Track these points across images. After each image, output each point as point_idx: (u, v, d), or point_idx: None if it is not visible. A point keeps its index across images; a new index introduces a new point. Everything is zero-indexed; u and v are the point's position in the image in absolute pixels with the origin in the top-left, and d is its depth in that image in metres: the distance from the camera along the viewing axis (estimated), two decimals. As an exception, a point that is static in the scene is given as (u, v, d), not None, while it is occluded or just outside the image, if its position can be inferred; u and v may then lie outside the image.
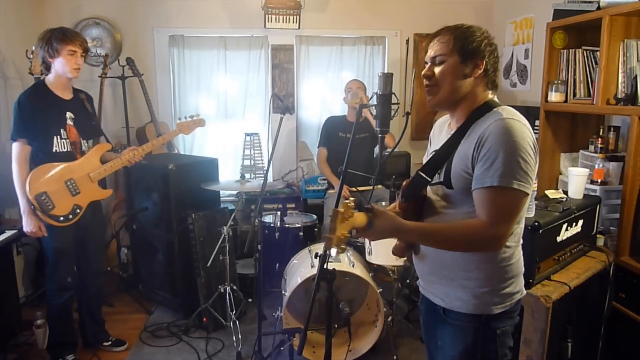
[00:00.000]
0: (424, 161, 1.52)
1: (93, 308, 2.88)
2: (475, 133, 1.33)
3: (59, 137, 2.53)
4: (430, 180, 1.44)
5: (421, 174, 1.44)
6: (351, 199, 1.24)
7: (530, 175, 1.28)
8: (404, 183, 1.50)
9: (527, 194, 1.29)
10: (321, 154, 3.76)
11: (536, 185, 2.11)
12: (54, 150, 2.52)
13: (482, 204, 1.30)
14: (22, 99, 2.47)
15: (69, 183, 2.54)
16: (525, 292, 1.49)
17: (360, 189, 3.53)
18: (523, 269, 1.48)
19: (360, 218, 1.26)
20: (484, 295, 1.40)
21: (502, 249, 1.37)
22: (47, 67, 2.52)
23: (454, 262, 1.42)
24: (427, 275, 1.54)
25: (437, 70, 1.39)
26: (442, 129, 1.54)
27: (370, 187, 3.14)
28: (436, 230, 1.36)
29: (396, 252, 1.57)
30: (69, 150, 2.57)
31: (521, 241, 1.47)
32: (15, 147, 2.48)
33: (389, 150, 3.67)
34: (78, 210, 2.57)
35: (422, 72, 1.42)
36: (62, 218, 2.51)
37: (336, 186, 3.59)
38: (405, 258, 1.67)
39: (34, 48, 3.12)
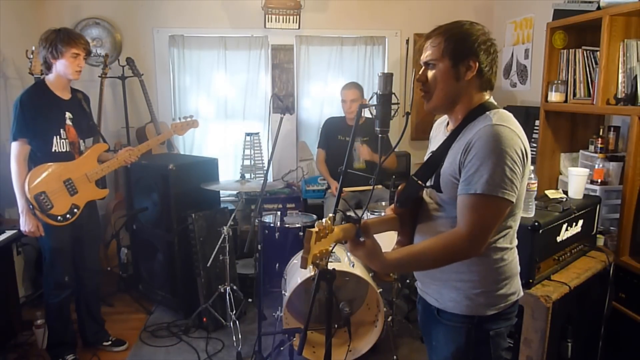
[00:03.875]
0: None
1: (91, 307, 2.88)
2: (465, 138, 1.32)
3: (58, 137, 2.54)
4: (424, 184, 1.43)
5: (414, 178, 1.43)
6: (330, 215, 1.21)
7: (515, 184, 1.27)
8: (399, 188, 1.49)
9: (511, 202, 1.28)
10: (319, 156, 3.76)
11: (536, 185, 2.11)
12: (53, 150, 2.52)
13: (463, 211, 1.29)
14: (23, 98, 2.46)
15: (67, 183, 2.54)
16: (522, 293, 1.48)
17: (360, 189, 3.53)
18: (519, 270, 1.47)
19: (344, 231, 1.23)
20: (477, 296, 1.39)
21: (488, 252, 1.36)
22: (48, 67, 2.52)
23: None
24: (422, 276, 1.55)
25: (429, 74, 1.37)
26: (440, 130, 1.54)
27: (370, 187, 3.13)
28: (413, 258, 1.33)
29: None
30: (68, 150, 2.58)
31: (515, 242, 1.45)
32: (15, 146, 2.46)
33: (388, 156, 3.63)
34: (76, 210, 2.58)
35: (416, 77, 1.41)
36: (60, 217, 2.52)
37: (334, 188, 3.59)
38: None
39: (34, 48, 3.11)
